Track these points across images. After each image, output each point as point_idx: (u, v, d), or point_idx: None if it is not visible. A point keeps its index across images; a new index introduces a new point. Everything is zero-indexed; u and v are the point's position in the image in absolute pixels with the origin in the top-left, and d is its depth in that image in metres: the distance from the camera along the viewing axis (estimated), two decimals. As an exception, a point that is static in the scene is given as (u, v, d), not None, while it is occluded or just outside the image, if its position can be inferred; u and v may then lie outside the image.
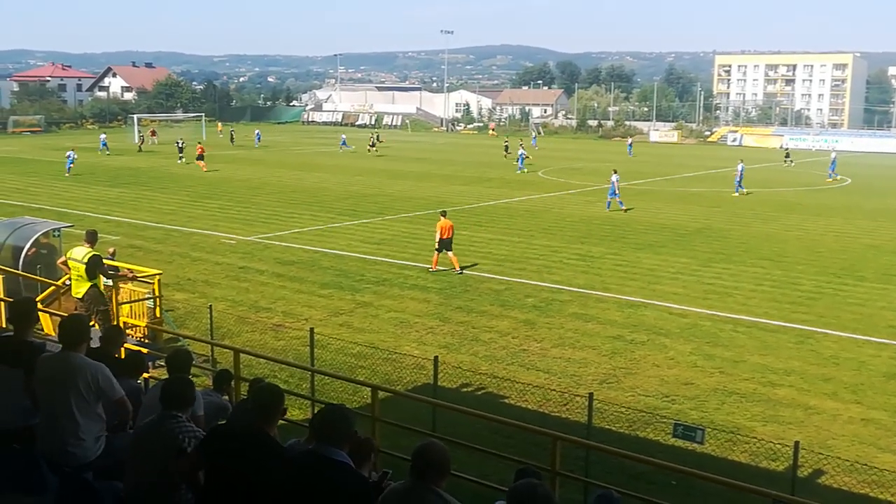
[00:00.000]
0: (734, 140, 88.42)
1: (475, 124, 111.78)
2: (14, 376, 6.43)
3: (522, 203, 37.73)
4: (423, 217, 32.84)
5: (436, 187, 42.30)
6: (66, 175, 44.57)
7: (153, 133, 73.36)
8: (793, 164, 60.67)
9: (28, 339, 6.69)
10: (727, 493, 9.19)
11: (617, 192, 36.01)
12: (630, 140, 73.16)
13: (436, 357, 12.94)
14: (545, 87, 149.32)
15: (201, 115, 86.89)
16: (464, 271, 23.11)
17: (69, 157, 46.06)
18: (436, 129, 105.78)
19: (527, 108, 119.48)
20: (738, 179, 42.18)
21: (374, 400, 9.40)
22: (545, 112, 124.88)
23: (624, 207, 35.68)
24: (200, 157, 49.86)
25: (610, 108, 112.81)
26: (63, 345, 6.23)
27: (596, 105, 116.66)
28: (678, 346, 17.02)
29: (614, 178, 36.44)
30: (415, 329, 17.95)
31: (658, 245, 27.90)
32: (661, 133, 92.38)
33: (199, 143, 54.59)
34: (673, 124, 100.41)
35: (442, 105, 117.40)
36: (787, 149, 72.18)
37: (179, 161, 53.57)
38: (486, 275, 22.87)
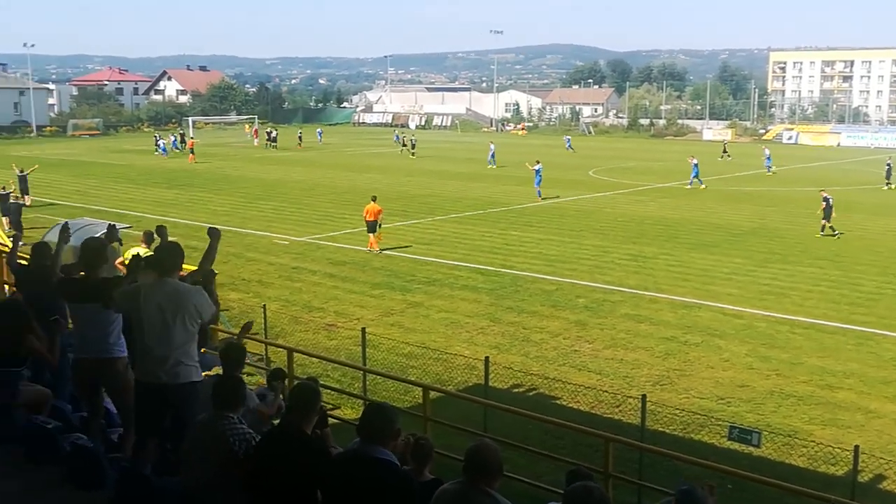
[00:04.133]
0: (790, 138, 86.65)
1: (525, 124, 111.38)
2: (96, 310, 6.84)
3: (573, 203, 37.50)
4: (473, 217, 32.87)
5: (486, 187, 42.27)
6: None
7: (256, 132, 76.27)
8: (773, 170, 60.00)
9: (102, 276, 7.05)
10: (784, 498, 9.04)
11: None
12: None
13: (487, 357, 12.95)
14: (596, 86, 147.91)
15: (254, 118, 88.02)
16: (382, 252, 25.18)
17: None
18: (485, 130, 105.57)
19: (577, 108, 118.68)
20: (767, 163, 49.55)
21: (425, 400, 9.45)
22: (596, 111, 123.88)
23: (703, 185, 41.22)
24: (192, 150, 57.62)
25: (662, 107, 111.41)
26: (159, 273, 6.53)
27: (647, 104, 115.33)
28: (733, 347, 16.76)
29: (693, 161, 42.83)
30: (465, 329, 17.97)
31: (712, 245, 27.51)
32: (714, 131, 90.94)
33: (192, 138, 62.80)
34: (726, 122, 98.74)
35: (491, 105, 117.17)
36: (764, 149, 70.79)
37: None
38: (537, 275, 22.78)
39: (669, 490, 7.02)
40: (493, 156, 54.70)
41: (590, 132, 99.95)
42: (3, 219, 29.16)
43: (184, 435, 6.37)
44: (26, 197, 34.17)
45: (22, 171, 34.59)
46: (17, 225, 27.55)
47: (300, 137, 72.81)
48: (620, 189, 42.83)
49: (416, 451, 6.28)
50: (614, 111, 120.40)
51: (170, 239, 7.76)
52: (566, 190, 41.36)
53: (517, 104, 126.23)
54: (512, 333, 17.67)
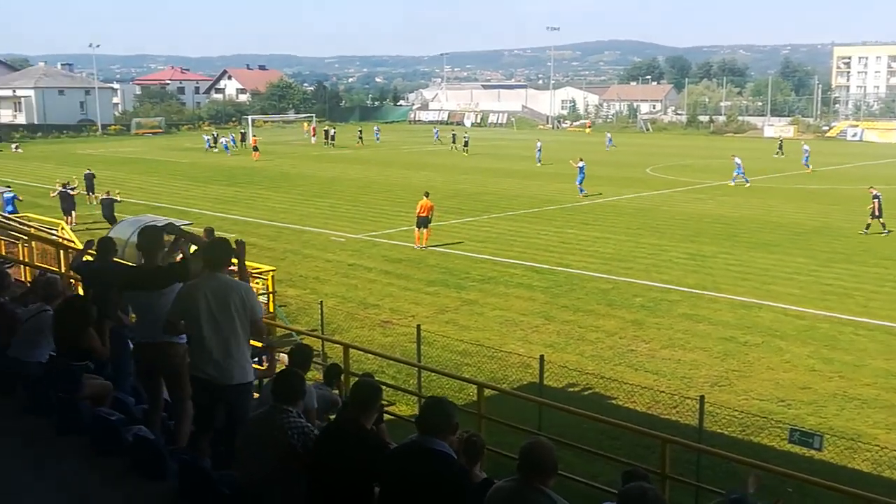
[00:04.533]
0: (854, 135, 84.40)
1: (581, 121, 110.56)
2: (154, 297, 7.00)
3: (630, 201, 37.12)
4: (528, 215, 32.76)
5: (542, 185, 42.09)
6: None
7: (314, 130, 77.53)
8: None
9: (158, 264, 7.22)
10: (846, 503, 8.82)
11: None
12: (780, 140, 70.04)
13: (541, 356, 12.89)
14: (654, 83, 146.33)
15: (312, 116, 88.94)
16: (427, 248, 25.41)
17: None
18: (541, 127, 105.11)
19: (635, 105, 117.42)
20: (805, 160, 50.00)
21: (479, 397, 9.45)
22: (654, 108, 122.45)
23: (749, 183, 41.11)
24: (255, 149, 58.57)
25: (722, 104, 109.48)
26: (209, 268, 6.61)
27: (707, 100, 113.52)
28: (794, 348, 16.43)
29: (737, 159, 42.41)
30: (520, 327, 17.92)
31: (772, 244, 26.96)
32: (776, 128, 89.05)
33: (255, 136, 63.34)
34: (789, 119, 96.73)
35: (547, 102, 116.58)
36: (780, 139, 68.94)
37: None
38: (593, 274, 22.61)
39: (723, 491, 6.93)
40: (539, 151, 54.43)
41: (647, 129, 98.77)
42: (68, 216, 30.14)
43: (235, 432, 6.50)
44: (91, 195, 35.14)
45: (69, 186, 34.75)
46: (110, 219, 28.71)
47: (360, 135, 73.44)
48: (678, 187, 42.25)
49: (467, 448, 6.29)
50: (673, 108, 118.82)
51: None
52: (622, 188, 40.97)
53: (573, 101, 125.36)
54: (567, 332, 17.57)
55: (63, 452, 6.90)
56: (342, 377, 9.26)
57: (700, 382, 14.56)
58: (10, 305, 8.67)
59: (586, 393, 14.13)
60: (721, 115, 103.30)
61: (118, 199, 30.42)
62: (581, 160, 39.24)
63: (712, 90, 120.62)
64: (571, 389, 14.20)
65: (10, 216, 22.85)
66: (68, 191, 31.23)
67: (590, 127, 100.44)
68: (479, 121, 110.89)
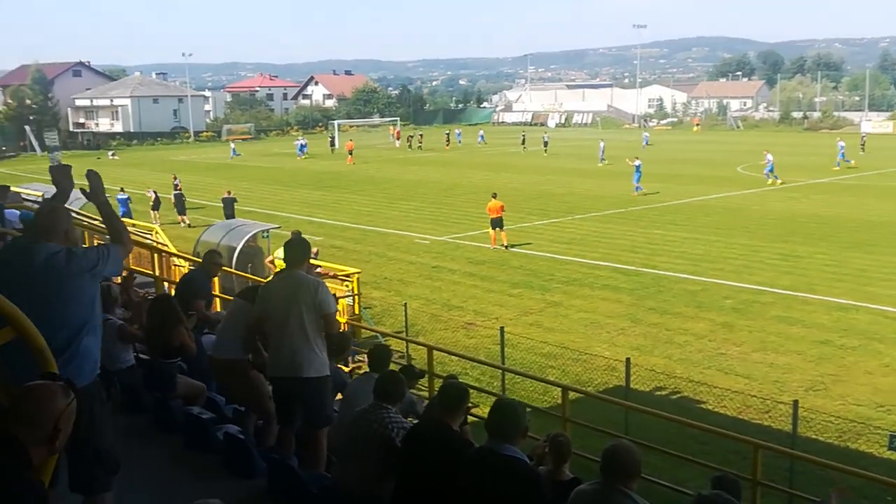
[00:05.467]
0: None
1: (669, 120, 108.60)
2: (245, 308, 7.13)
3: (719, 200, 36.27)
4: (614, 216, 32.36)
5: (627, 185, 41.41)
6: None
7: (398, 133, 77.91)
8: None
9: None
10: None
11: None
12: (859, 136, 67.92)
13: (628, 359, 12.73)
14: (745, 79, 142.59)
15: (396, 120, 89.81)
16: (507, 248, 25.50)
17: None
18: (627, 126, 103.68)
19: (725, 102, 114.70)
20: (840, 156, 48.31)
21: (564, 400, 9.37)
22: (745, 105, 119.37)
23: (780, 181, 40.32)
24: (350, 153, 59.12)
25: (816, 99, 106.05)
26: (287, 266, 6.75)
27: (801, 96, 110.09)
28: (894, 352, 15.77)
29: (769, 157, 41.49)
30: (606, 330, 17.71)
31: (870, 244, 25.94)
32: (874, 124, 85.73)
33: (350, 140, 64.14)
34: (888, 114, 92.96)
35: (633, 101, 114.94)
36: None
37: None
38: (681, 275, 22.17)
39: (818, 499, 6.70)
40: (602, 152, 53.80)
41: (738, 126, 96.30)
42: (182, 215, 32.92)
43: (313, 427, 6.63)
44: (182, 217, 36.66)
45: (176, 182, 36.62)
46: (229, 217, 30.16)
47: (448, 138, 73.90)
48: (771, 185, 41.08)
49: (554, 449, 6.25)
50: (764, 104, 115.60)
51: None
52: (711, 187, 40.05)
53: (661, 99, 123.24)
54: (654, 335, 17.28)
55: (157, 450, 7.13)
56: (418, 379, 9.28)
57: (794, 387, 14.11)
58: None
59: (674, 397, 13.87)
60: (815, 111, 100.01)
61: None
62: (637, 159, 39.02)
63: (806, 85, 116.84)
64: (659, 393, 13.96)
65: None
66: (179, 191, 33.58)
67: (698, 124, 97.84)
68: (563, 121, 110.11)
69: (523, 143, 66.43)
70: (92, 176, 4.91)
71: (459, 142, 75.89)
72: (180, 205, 33.56)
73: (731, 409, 12.97)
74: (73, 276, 4.49)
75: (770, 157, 41.87)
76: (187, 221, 32.87)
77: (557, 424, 9.09)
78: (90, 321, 4.63)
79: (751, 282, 21.32)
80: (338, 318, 14.91)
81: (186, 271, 15.82)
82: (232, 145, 68.58)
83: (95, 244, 11.31)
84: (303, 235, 15.19)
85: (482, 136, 76.84)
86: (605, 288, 21.17)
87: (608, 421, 10.83)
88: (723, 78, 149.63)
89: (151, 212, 33.13)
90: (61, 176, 4.80)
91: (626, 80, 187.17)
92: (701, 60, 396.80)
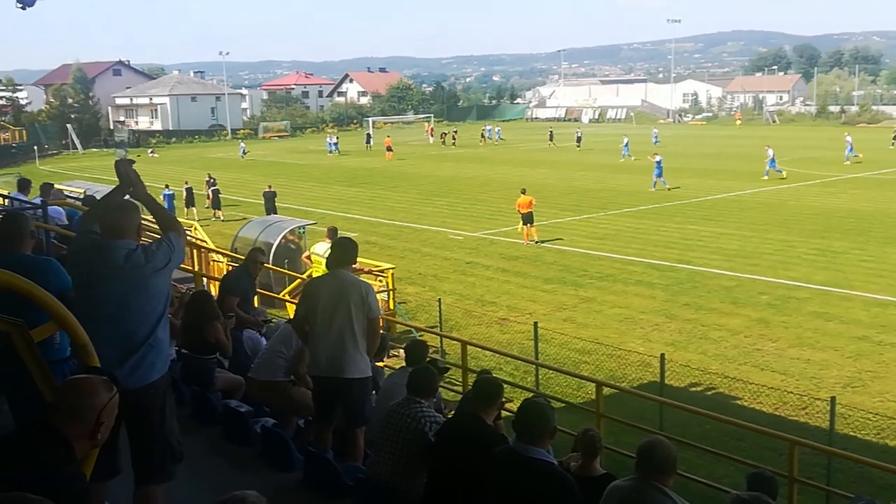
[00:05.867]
0: None
1: (704, 115, 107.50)
2: (293, 335, 7.28)
3: (755, 195, 35.88)
4: (648, 212, 32.17)
5: (667, 179, 41.15)
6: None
7: (431, 130, 78.21)
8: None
9: None
10: None
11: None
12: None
13: (662, 354, 12.70)
14: (781, 73, 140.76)
15: (430, 116, 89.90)
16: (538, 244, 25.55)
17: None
18: (661, 121, 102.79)
19: (760, 96, 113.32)
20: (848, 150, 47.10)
21: (598, 396, 9.37)
22: (781, 99, 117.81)
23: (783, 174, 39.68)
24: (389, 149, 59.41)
25: (854, 93, 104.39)
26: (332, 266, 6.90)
27: (838, 90, 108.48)
28: (935, 349, 15.54)
29: (769, 151, 41.10)
30: (640, 325, 17.65)
31: (910, 239, 25.54)
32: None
33: (388, 136, 63.98)
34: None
35: (668, 96, 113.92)
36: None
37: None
38: (716, 271, 22.01)
39: (857, 495, 6.66)
40: (626, 146, 53.50)
41: (774, 121, 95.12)
42: (217, 210, 33.88)
43: (353, 426, 6.74)
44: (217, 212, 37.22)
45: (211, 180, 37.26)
46: (271, 212, 30.83)
47: (483, 134, 73.84)
48: (807, 180, 40.53)
49: (584, 443, 6.28)
50: (801, 98, 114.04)
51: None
52: (746, 182, 39.61)
53: (695, 94, 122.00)
54: (689, 331, 17.18)
55: (196, 442, 7.25)
56: (441, 374, 9.35)
57: (831, 383, 13.97)
58: None
59: (709, 393, 13.80)
60: (853, 105, 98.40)
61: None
62: (657, 155, 39.11)
63: (844, 79, 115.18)
64: (693, 389, 13.90)
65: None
66: (214, 187, 34.45)
67: (740, 119, 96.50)
68: (596, 117, 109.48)
69: (551, 138, 66.24)
70: (130, 170, 4.97)
71: (499, 138, 75.39)
72: (216, 200, 34.27)
73: (767, 406, 12.89)
74: (153, 272, 4.59)
75: (771, 151, 41.57)
76: (222, 216, 33.45)
77: (591, 420, 9.11)
78: (165, 315, 4.77)
79: (787, 277, 21.10)
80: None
81: (228, 269, 16.09)
82: (242, 144, 69.11)
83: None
84: (339, 231, 15.37)
85: (498, 133, 76.19)
86: (640, 283, 21.08)
87: (642, 417, 10.82)
88: (758, 72, 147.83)
89: (185, 209, 33.62)
90: (125, 169, 4.89)
91: (661, 75, 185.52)
92: (736, 54, 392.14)
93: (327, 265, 7.09)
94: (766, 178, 40.55)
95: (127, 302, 4.52)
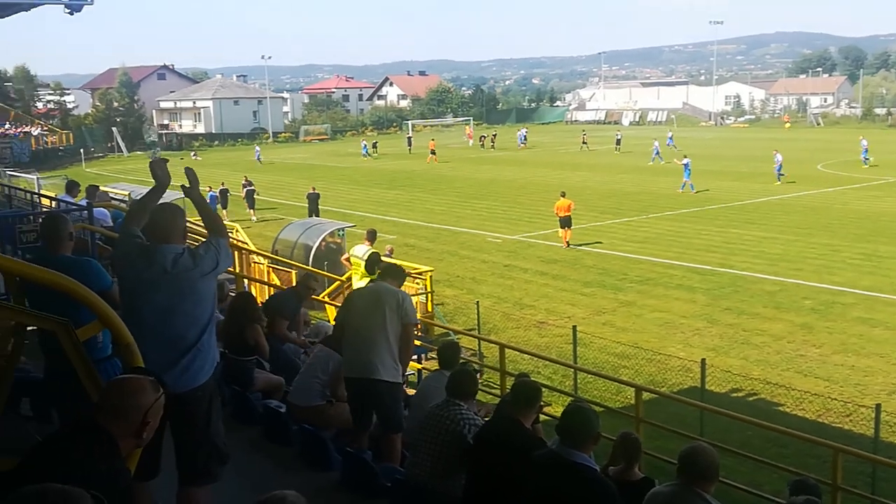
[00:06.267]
0: None
1: (746, 117, 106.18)
2: (329, 359, 7.37)
3: (799, 199, 35.36)
4: (689, 215, 31.87)
5: (704, 183, 40.71)
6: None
7: (470, 133, 78.09)
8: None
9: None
10: None
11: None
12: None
13: (703, 359, 12.57)
14: (825, 75, 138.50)
15: (469, 119, 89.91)
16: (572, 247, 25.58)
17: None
18: (703, 124, 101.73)
19: (804, 98, 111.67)
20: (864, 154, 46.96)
21: (637, 400, 9.30)
22: (825, 101, 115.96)
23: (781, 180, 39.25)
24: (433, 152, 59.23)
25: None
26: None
27: (884, 92, 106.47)
28: (985, 356, 15.18)
29: (778, 157, 40.57)
30: (680, 330, 17.48)
31: (960, 244, 24.97)
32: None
33: (432, 139, 63.89)
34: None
35: (710, 99, 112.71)
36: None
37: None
38: (759, 275, 21.73)
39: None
40: (657, 152, 53.17)
41: (818, 123, 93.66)
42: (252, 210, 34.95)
43: (389, 432, 6.81)
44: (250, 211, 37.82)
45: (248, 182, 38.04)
46: (314, 213, 31.63)
47: (525, 137, 73.72)
48: (853, 184, 39.87)
49: (624, 448, 6.24)
50: (846, 101, 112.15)
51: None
52: (789, 185, 39.04)
53: (738, 97, 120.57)
54: (731, 335, 16.98)
55: (237, 442, 7.32)
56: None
57: (876, 390, 13.72)
58: None
59: (751, 398, 13.62)
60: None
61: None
62: (686, 157, 39.07)
63: (890, 81, 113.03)
64: (735, 395, 13.73)
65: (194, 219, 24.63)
66: (249, 188, 35.37)
67: (788, 122, 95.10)
68: (637, 119, 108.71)
69: (584, 142, 65.84)
70: (190, 172, 5.00)
71: (522, 143, 74.75)
72: (250, 200, 35.15)
73: (810, 413, 12.69)
74: (200, 276, 4.59)
75: (780, 157, 41.10)
76: (253, 217, 34.40)
77: (630, 425, 9.03)
78: (212, 319, 4.77)
79: (831, 282, 20.76)
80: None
81: (280, 291, 16.25)
82: (257, 149, 69.76)
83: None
84: (377, 234, 15.43)
85: (522, 137, 75.31)
86: (680, 287, 20.88)
87: (682, 422, 10.71)
88: (802, 74, 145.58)
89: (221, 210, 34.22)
90: (159, 169, 4.90)
91: (703, 78, 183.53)
92: (780, 56, 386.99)
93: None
94: (778, 182, 40.09)
95: (175, 306, 4.50)
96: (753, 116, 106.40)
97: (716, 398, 12.50)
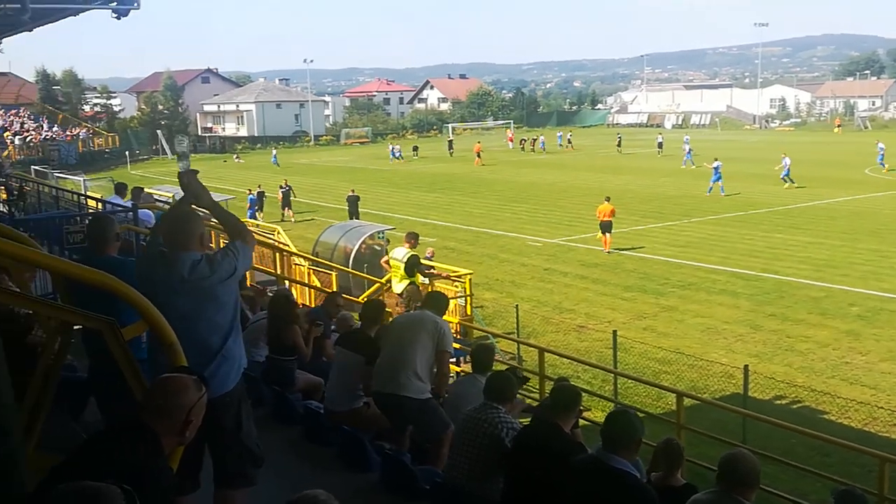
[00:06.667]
0: None
1: (791, 121, 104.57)
2: (354, 362, 7.35)
3: (846, 203, 34.74)
4: (733, 219, 31.47)
5: (747, 186, 40.23)
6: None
7: (511, 136, 77.97)
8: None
9: (370, 335, 7.62)
10: None
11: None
12: None
13: (746, 366, 12.41)
14: (873, 78, 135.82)
15: (510, 122, 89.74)
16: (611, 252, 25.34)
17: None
18: (747, 127, 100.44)
19: (851, 101, 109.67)
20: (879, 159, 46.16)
21: (678, 406, 9.21)
22: (873, 104, 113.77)
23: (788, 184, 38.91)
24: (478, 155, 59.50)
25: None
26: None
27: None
28: None
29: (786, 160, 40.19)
30: (723, 336, 17.27)
31: None
32: None
33: (478, 142, 63.74)
34: None
35: (754, 102, 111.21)
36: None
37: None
38: (804, 281, 21.39)
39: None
40: (689, 154, 52.63)
41: (866, 127, 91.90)
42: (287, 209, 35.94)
43: (433, 441, 6.91)
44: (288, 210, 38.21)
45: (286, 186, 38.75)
46: (354, 215, 32.38)
47: (569, 140, 73.50)
48: (787, 188, 39.25)
49: (666, 454, 6.18)
50: (895, 104, 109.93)
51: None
52: (837, 190, 38.38)
53: (783, 99, 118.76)
54: (774, 342, 16.74)
55: (276, 442, 7.39)
56: (520, 384, 9.28)
57: (925, 400, 13.43)
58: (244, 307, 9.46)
59: (795, 406, 13.42)
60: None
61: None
62: (716, 160, 38.83)
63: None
64: (778, 402, 13.53)
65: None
66: (285, 189, 36.60)
67: (839, 126, 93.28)
68: (680, 122, 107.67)
69: (619, 144, 65.33)
70: (191, 179, 4.86)
71: (542, 147, 74.26)
72: (286, 200, 36.25)
73: (855, 421, 12.46)
74: (219, 282, 4.57)
75: (787, 160, 40.64)
76: (292, 217, 35.58)
77: (671, 431, 8.95)
78: (235, 324, 4.73)
79: (879, 288, 20.37)
80: (448, 318, 15.07)
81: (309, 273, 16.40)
82: (273, 152, 70.30)
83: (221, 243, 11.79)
84: (420, 238, 15.45)
85: (561, 138, 74.99)
86: (723, 293, 20.63)
87: (724, 429, 10.58)
88: (850, 77, 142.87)
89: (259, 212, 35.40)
90: (188, 179, 4.88)
91: (747, 80, 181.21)
92: (826, 59, 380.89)
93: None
94: (786, 186, 39.65)
95: (196, 314, 4.49)
96: (799, 120, 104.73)
97: (758, 405, 12.34)
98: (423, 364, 6.80)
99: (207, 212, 5.01)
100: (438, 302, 7.48)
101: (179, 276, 4.51)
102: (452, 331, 14.93)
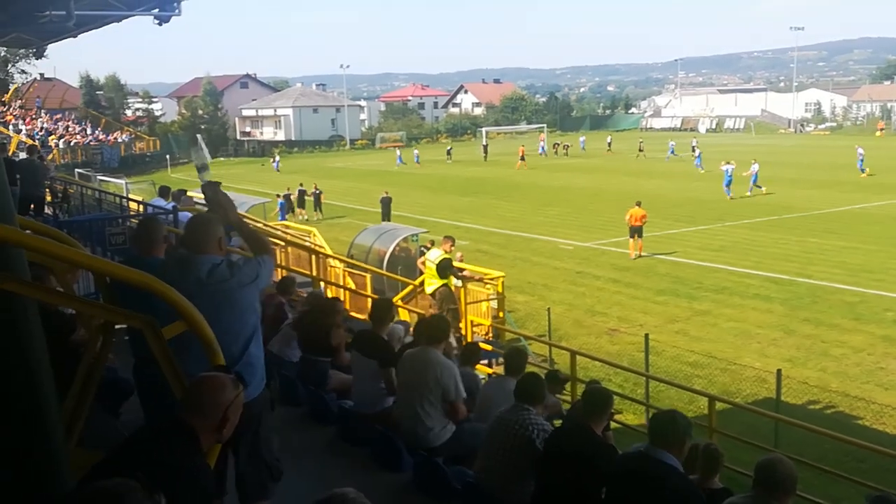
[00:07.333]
0: None
1: (827, 124, 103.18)
2: (369, 365, 7.40)
3: (882, 208, 34.26)
4: (766, 223, 31.21)
5: (782, 190, 39.85)
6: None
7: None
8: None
9: (381, 335, 7.61)
10: None
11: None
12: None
13: (779, 370, 12.35)
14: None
15: (543, 126, 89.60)
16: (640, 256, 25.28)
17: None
18: (782, 131, 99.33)
19: (889, 105, 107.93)
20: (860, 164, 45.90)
21: (710, 410, 9.22)
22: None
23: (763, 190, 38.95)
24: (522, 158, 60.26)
25: None
26: (422, 343, 7.04)
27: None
28: None
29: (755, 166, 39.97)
30: (756, 340, 17.17)
31: None
32: None
33: (522, 146, 64.03)
34: None
35: (789, 106, 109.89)
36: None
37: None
38: (838, 285, 21.17)
39: None
40: (699, 157, 52.48)
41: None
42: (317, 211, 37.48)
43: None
44: (300, 211, 39.22)
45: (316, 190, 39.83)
46: (386, 216, 33.21)
47: (609, 144, 73.38)
48: (752, 196, 38.72)
49: (705, 458, 6.21)
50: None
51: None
52: (872, 194, 37.85)
53: (818, 104, 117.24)
54: (808, 347, 16.61)
55: (311, 441, 7.50)
56: (561, 385, 9.30)
57: (962, 406, 13.25)
58: (285, 306, 9.63)
59: (828, 411, 13.32)
60: None
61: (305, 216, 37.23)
62: (729, 163, 39.16)
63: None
64: (811, 407, 13.44)
65: (274, 224, 25.64)
66: (316, 192, 38.64)
67: (882, 129, 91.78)
68: (713, 126, 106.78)
69: (641, 149, 65.03)
70: (215, 192, 4.86)
71: (563, 150, 74.13)
72: (317, 202, 38.49)
73: (890, 427, 12.35)
74: (238, 286, 4.50)
75: (756, 166, 40.38)
76: (316, 216, 37.34)
77: (703, 435, 8.96)
78: (256, 330, 4.64)
79: (916, 294, 20.11)
80: (480, 320, 15.16)
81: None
82: (276, 158, 70.75)
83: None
84: (456, 241, 15.56)
85: (582, 143, 74.80)
86: (757, 297, 20.49)
87: (756, 434, 10.54)
88: (887, 80, 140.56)
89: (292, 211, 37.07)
90: (211, 192, 4.93)
91: (782, 84, 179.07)
92: (863, 63, 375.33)
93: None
94: (749, 193, 39.28)
95: (215, 318, 4.26)
96: (835, 124, 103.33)
97: (791, 410, 12.28)
98: (435, 415, 6.77)
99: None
100: (432, 330, 7.02)
101: (197, 278, 4.46)
102: (484, 333, 15.08)
